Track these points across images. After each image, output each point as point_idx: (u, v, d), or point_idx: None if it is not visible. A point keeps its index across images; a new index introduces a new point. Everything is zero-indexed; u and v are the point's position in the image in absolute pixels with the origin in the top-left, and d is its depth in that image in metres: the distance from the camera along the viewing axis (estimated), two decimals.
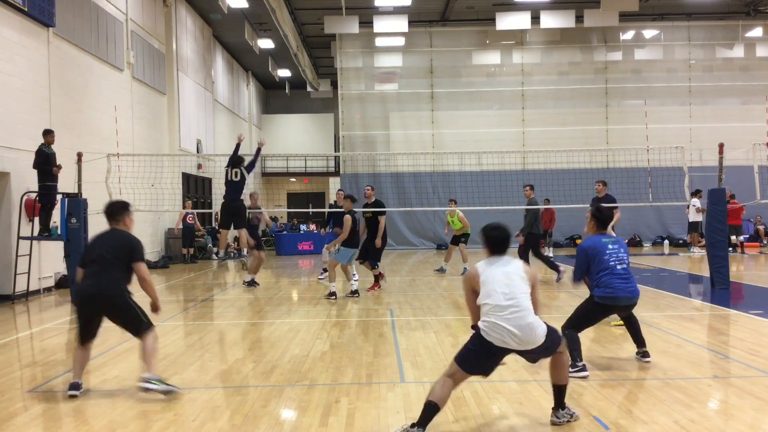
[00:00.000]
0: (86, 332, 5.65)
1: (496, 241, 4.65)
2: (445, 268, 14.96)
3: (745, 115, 23.96)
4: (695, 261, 17.51)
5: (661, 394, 5.23)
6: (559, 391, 4.60)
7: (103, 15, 15.59)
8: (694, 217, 19.57)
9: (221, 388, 5.63)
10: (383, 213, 11.78)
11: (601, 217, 6.22)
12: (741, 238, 19.55)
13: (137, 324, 5.64)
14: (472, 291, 4.62)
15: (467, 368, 4.48)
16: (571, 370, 5.11)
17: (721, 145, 11.87)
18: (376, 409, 4.99)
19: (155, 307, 5.87)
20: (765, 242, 22.02)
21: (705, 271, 13.28)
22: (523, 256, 12.86)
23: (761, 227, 22.41)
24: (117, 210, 6.11)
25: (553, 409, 4.63)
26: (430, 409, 4.33)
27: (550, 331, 4.46)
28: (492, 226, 4.71)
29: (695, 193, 18.39)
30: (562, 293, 11.54)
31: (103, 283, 5.55)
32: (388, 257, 20.32)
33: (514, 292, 4.41)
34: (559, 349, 4.54)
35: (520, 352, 4.47)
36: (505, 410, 4.91)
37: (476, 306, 4.57)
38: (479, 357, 4.46)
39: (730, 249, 16.23)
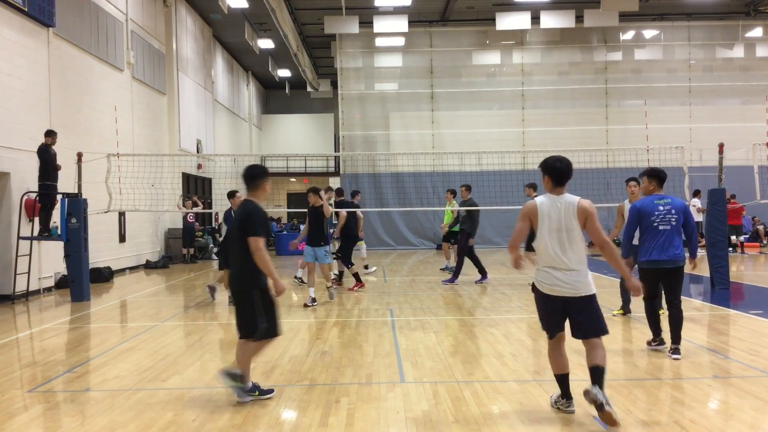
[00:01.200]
0: None
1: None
2: (449, 265, 14.95)
3: (745, 115, 23.96)
4: (695, 261, 17.47)
5: (661, 394, 5.23)
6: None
7: (103, 15, 15.59)
8: (696, 217, 19.57)
9: (221, 388, 5.63)
10: (350, 209, 12.54)
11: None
12: (741, 238, 19.54)
13: (249, 328, 5.23)
14: None
15: None
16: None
17: (721, 145, 11.88)
18: (376, 409, 4.99)
19: (277, 289, 5.26)
20: (765, 242, 22.00)
21: (705, 271, 13.28)
22: (470, 256, 12.83)
23: (761, 227, 22.40)
24: (256, 174, 5.44)
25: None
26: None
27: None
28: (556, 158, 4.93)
29: (695, 194, 18.39)
30: None
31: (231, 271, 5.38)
32: (389, 257, 20.33)
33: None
34: None
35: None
36: (505, 410, 4.91)
37: None
38: None
39: (730, 249, 16.23)
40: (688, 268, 6.59)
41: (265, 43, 25.33)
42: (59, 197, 11.78)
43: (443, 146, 24.33)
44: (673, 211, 6.41)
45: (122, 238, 16.47)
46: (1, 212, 11.75)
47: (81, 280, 11.31)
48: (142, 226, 17.92)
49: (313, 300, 10.14)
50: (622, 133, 24.14)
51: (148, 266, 17.64)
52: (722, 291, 11.07)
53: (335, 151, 32.62)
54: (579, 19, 22.15)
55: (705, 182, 17.17)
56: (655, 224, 6.40)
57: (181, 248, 19.30)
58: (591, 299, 4.88)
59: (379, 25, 22.31)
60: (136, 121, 17.47)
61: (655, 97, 24.56)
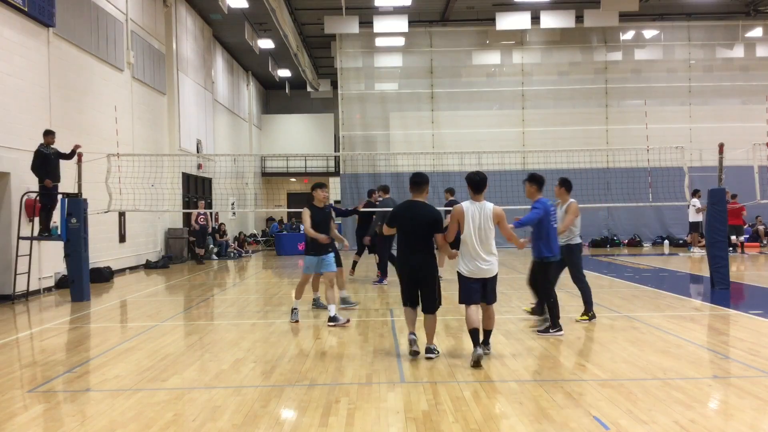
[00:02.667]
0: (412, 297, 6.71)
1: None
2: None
3: (745, 115, 23.97)
4: (695, 261, 17.51)
5: (661, 394, 5.23)
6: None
7: (103, 15, 15.59)
8: (694, 217, 19.56)
9: (221, 388, 5.63)
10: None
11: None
12: (741, 238, 19.53)
13: (437, 304, 6.64)
14: None
15: None
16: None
17: (721, 145, 11.87)
18: (376, 409, 4.99)
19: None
20: (765, 242, 22.00)
21: (705, 271, 13.28)
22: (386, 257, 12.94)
23: (761, 227, 22.40)
24: (424, 180, 6.79)
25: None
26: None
27: None
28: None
29: (695, 193, 18.38)
30: (561, 293, 11.52)
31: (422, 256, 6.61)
32: None
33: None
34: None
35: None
36: (505, 410, 4.91)
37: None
38: None
39: (730, 249, 16.24)
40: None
41: (265, 43, 25.32)
42: (59, 197, 11.76)
43: (443, 146, 24.34)
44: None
45: (122, 238, 16.47)
46: (1, 212, 11.75)
47: (81, 280, 11.31)
48: (142, 226, 17.92)
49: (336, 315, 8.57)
50: (622, 133, 24.14)
51: (148, 266, 17.64)
52: (722, 291, 11.07)
53: (335, 151, 32.62)
54: (579, 19, 22.16)
55: (705, 182, 17.15)
56: (552, 223, 7.70)
57: (196, 248, 19.47)
58: (495, 277, 6.51)
59: (379, 25, 22.32)
60: (136, 121, 17.47)
61: (655, 97, 24.57)
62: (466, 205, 6.39)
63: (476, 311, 6.38)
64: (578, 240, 8.43)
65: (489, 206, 6.40)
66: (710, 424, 4.55)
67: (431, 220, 6.55)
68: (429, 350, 6.57)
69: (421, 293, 6.62)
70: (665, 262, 17.41)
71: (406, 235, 6.65)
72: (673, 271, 15.25)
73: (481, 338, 6.40)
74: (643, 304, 9.93)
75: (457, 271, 6.50)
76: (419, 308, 6.71)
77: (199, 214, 18.98)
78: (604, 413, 4.77)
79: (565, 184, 8.42)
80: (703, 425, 4.52)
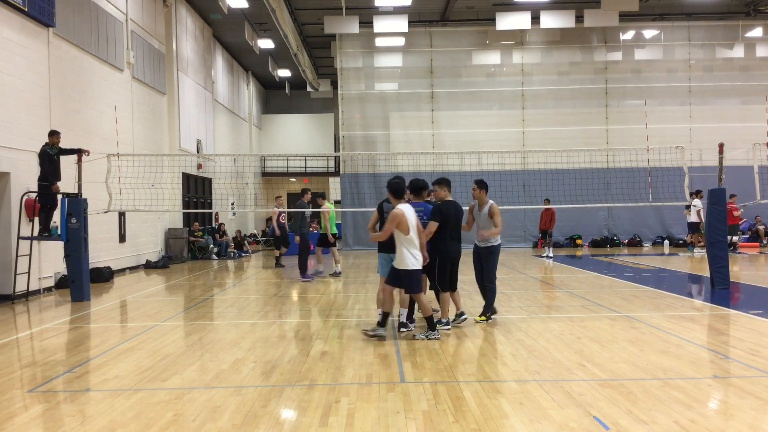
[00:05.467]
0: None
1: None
2: (337, 270, 14.83)
3: (745, 115, 23.97)
4: (695, 261, 17.51)
5: (661, 394, 5.23)
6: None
7: (103, 15, 15.59)
8: (695, 217, 19.56)
9: (221, 388, 5.63)
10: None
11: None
12: (735, 238, 19.53)
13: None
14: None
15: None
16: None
17: (721, 145, 11.88)
18: (376, 409, 4.99)
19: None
20: (765, 242, 22.01)
21: (705, 271, 13.28)
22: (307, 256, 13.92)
23: (761, 227, 22.41)
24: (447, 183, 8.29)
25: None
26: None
27: None
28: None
29: (696, 194, 18.37)
30: (560, 293, 11.54)
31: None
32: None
33: None
34: None
35: None
36: (505, 410, 4.91)
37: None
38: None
39: (730, 249, 16.25)
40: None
41: (265, 43, 25.33)
42: (59, 197, 11.75)
43: (443, 146, 24.34)
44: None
45: (122, 238, 16.47)
46: (1, 212, 11.75)
47: (81, 280, 11.31)
48: (142, 226, 17.92)
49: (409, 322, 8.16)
50: (622, 133, 24.15)
51: (148, 266, 17.64)
52: (722, 291, 11.07)
53: (335, 151, 32.63)
54: (579, 19, 22.16)
55: (705, 182, 17.17)
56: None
57: (276, 249, 18.39)
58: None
59: (379, 25, 22.32)
60: (136, 121, 17.47)
61: (655, 97, 24.57)
62: (403, 208, 7.38)
63: (424, 297, 7.61)
64: (500, 241, 8.58)
65: (412, 207, 7.60)
66: (710, 424, 4.55)
67: (462, 215, 8.23)
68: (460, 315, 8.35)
69: (452, 274, 8.11)
70: (665, 262, 17.41)
71: (451, 228, 7.98)
72: (673, 271, 15.25)
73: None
74: (643, 304, 9.94)
75: (405, 269, 7.36)
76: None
77: (280, 213, 18.01)
78: (604, 413, 4.77)
79: (484, 186, 8.61)
80: (703, 425, 4.52)
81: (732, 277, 12.00)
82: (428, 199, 8.52)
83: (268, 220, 31.80)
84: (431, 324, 7.51)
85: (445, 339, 7.56)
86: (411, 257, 7.36)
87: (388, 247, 7.86)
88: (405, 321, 8.02)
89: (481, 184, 8.64)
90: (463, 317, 8.38)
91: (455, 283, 8.24)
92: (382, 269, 8.09)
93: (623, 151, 21.37)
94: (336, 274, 14.64)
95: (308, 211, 13.46)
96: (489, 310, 8.59)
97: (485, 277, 8.57)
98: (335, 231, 14.82)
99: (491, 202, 8.54)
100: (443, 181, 8.23)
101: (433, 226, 7.82)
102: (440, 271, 7.99)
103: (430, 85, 24.95)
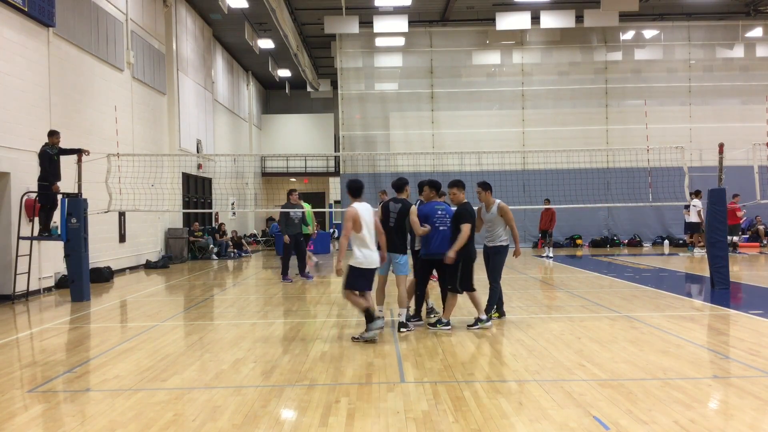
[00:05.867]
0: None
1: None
2: (309, 271, 14.94)
3: (745, 115, 23.98)
4: (695, 261, 17.51)
5: (661, 394, 5.23)
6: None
7: (103, 15, 15.59)
8: (694, 217, 19.56)
9: (221, 388, 5.63)
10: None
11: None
12: (736, 238, 19.54)
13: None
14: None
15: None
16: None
17: (721, 145, 11.88)
18: (376, 409, 4.99)
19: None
20: (765, 242, 22.01)
21: (705, 271, 13.28)
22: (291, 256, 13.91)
23: (761, 227, 22.41)
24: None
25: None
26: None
27: None
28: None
29: (696, 194, 18.37)
30: (560, 293, 11.54)
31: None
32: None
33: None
34: None
35: None
36: (505, 410, 4.91)
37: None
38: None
39: (730, 249, 16.25)
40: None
41: (265, 43, 25.33)
42: (59, 197, 11.75)
43: (443, 146, 24.35)
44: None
45: (122, 238, 16.47)
46: (1, 212, 11.75)
47: (81, 280, 11.31)
48: (142, 226, 17.92)
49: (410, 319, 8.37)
50: (622, 133, 24.16)
51: (148, 266, 17.64)
52: (722, 291, 11.07)
53: (335, 151, 32.63)
54: (579, 19, 22.17)
55: (705, 182, 17.16)
56: (437, 225, 8.05)
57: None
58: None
59: (379, 25, 22.32)
60: (136, 121, 17.47)
61: (655, 97, 24.58)
62: (358, 207, 7.55)
63: (368, 295, 7.57)
64: (508, 241, 8.54)
65: (370, 206, 7.71)
66: (710, 424, 4.55)
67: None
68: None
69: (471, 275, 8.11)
70: (665, 262, 17.41)
71: (479, 229, 8.40)
72: (673, 271, 15.25)
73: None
74: (643, 304, 9.94)
75: (350, 266, 7.43)
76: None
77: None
78: (604, 413, 4.77)
79: (488, 187, 8.52)
80: (703, 425, 4.52)
81: (732, 277, 12.01)
82: (443, 199, 8.67)
83: (269, 219, 31.81)
84: (370, 318, 7.42)
85: (445, 339, 7.56)
86: (360, 255, 7.39)
87: (393, 246, 8.09)
88: (404, 321, 8.05)
89: (485, 186, 8.54)
90: (489, 323, 8.22)
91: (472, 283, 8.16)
92: (384, 268, 8.25)
93: (623, 151, 21.38)
94: (309, 274, 14.75)
95: (293, 211, 13.50)
96: (491, 309, 8.55)
97: (490, 276, 8.58)
98: (309, 231, 14.93)
99: (498, 201, 8.49)
100: (461, 183, 8.17)
101: (468, 228, 7.81)
102: (466, 272, 7.92)
103: (430, 85, 24.96)
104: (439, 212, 8.06)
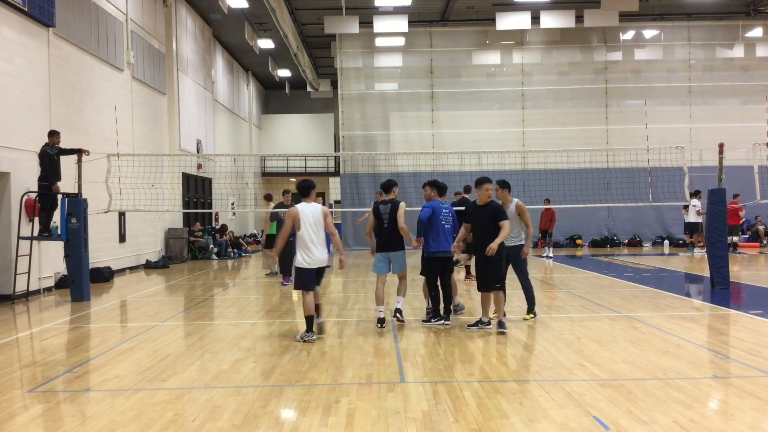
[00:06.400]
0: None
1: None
2: (274, 270, 14.94)
3: (745, 115, 23.98)
4: (695, 261, 17.51)
5: (661, 394, 5.23)
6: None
7: (103, 15, 15.59)
8: (694, 218, 19.55)
9: (221, 388, 5.63)
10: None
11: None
12: (736, 238, 19.53)
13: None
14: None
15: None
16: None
17: (721, 145, 11.88)
18: (376, 409, 4.99)
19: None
20: (765, 242, 22.00)
21: (705, 271, 13.28)
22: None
23: (761, 227, 22.41)
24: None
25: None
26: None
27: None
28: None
29: (695, 194, 18.37)
30: (560, 293, 11.54)
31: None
32: None
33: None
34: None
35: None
36: (505, 410, 4.91)
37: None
38: None
39: (730, 249, 16.24)
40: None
41: (265, 43, 25.33)
42: (59, 197, 11.74)
43: (443, 146, 24.34)
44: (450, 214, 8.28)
45: (122, 238, 16.47)
46: (1, 212, 11.75)
47: (81, 280, 11.31)
48: (142, 226, 17.92)
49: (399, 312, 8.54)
50: (622, 133, 24.16)
51: (148, 266, 17.64)
52: (722, 291, 11.07)
53: (335, 151, 32.62)
54: (579, 19, 22.17)
55: (705, 182, 17.16)
56: (443, 223, 8.23)
57: None
58: (326, 267, 7.76)
59: (379, 25, 22.32)
60: (136, 121, 17.47)
61: (655, 97, 24.58)
62: (301, 206, 7.56)
63: (312, 296, 7.58)
64: (523, 239, 8.51)
65: (318, 207, 7.65)
66: (710, 424, 4.55)
67: None
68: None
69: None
70: (665, 262, 17.41)
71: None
72: (673, 271, 15.25)
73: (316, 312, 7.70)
74: (643, 304, 9.94)
75: (295, 266, 7.58)
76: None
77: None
78: (604, 413, 4.77)
79: (506, 186, 8.49)
80: (703, 425, 4.52)
81: (732, 277, 12.00)
82: (458, 198, 8.96)
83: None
84: (309, 325, 7.55)
85: (445, 339, 7.55)
86: (301, 255, 7.50)
87: (388, 246, 8.32)
88: (400, 308, 8.47)
89: (504, 184, 8.47)
90: (489, 326, 8.01)
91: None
92: (382, 268, 8.44)
93: (623, 151, 21.37)
94: (273, 274, 14.89)
95: (281, 211, 13.50)
96: (533, 307, 8.69)
97: (520, 276, 8.59)
98: (275, 232, 15.00)
99: (516, 200, 8.48)
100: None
101: (509, 225, 7.86)
102: (502, 269, 7.93)
103: (430, 85, 24.96)
104: (444, 211, 8.21)
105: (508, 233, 7.83)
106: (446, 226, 8.20)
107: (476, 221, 7.97)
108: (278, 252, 8.09)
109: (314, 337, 7.50)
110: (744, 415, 4.73)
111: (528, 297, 8.70)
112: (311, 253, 7.46)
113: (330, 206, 34.53)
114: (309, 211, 7.50)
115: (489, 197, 7.93)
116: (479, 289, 8.00)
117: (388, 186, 8.54)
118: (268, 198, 15.30)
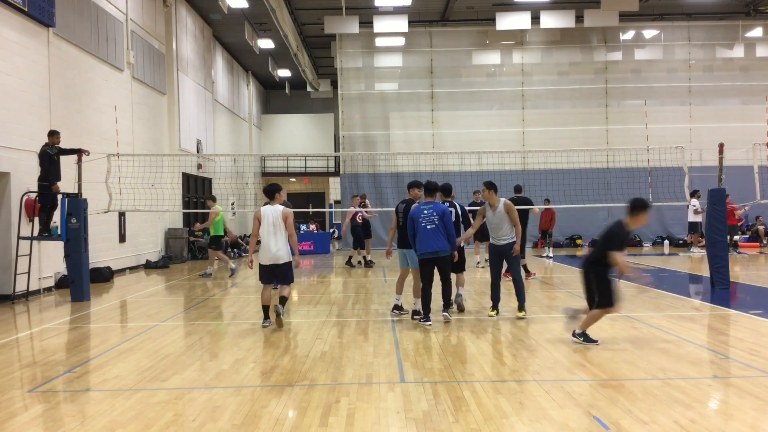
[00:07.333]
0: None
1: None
2: (209, 271, 15.32)
3: (745, 115, 23.97)
4: (695, 261, 17.50)
5: (661, 394, 5.23)
6: None
7: (103, 15, 15.59)
8: (693, 217, 19.55)
9: (221, 388, 5.63)
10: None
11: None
12: (737, 237, 19.53)
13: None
14: None
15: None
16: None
17: (721, 145, 11.87)
18: (376, 409, 4.99)
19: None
20: (765, 242, 22.00)
21: (705, 271, 13.28)
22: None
23: (761, 227, 22.41)
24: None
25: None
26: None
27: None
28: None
29: (694, 194, 18.37)
30: (560, 293, 11.54)
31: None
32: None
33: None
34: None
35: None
36: (505, 410, 4.91)
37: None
38: None
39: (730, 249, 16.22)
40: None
41: (265, 43, 25.32)
42: (59, 197, 11.74)
43: (443, 146, 24.34)
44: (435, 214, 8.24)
45: (122, 238, 16.47)
46: (1, 212, 11.75)
47: (81, 280, 11.31)
48: (142, 226, 17.92)
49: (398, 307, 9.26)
50: (622, 133, 24.15)
51: (148, 266, 17.64)
52: (722, 291, 11.07)
53: (335, 151, 32.62)
54: (579, 19, 22.16)
55: (705, 182, 17.16)
56: (423, 224, 8.23)
57: (355, 249, 17.28)
58: (287, 264, 8.32)
59: (379, 25, 22.31)
60: (136, 121, 17.47)
61: (655, 97, 24.57)
62: (265, 208, 8.29)
63: (268, 290, 8.39)
64: (514, 237, 8.67)
65: (279, 208, 8.29)
66: (710, 424, 4.55)
67: None
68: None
69: None
70: (665, 262, 17.40)
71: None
72: (673, 271, 15.25)
73: (279, 301, 8.34)
74: (643, 304, 9.93)
75: (260, 263, 8.27)
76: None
77: (356, 212, 16.71)
78: (604, 413, 4.77)
79: (492, 186, 8.71)
80: (703, 425, 4.52)
81: (732, 277, 12.00)
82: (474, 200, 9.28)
83: None
84: (265, 314, 8.47)
85: (445, 339, 7.56)
86: (260, 252, 8.30)
87: (405, 242, 8.90)
88: (398, 305, 9.21)
89: (490, 185, 8.71)
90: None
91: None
92: (402, 263, 9.24)
93: (623, 151, 21.37)
94: (207, 275, 15.11)
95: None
96: (524, 304, 8.84)
97: (512, 271, 8.86)
98: (221, 233, 15.59)
99: (503, 199, 8.69)
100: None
101: (619, 255, 7.70)
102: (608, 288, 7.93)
103: (430, 85, 24.95)
104: (425, 212, 8.25)
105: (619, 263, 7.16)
106: (428, 226, 8.16)
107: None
108: (252, 249, 8.68)
109: (266, 324, 8.38)
110: (744, 415, 4.73)
111: (518, 293, 8.81)
112: (265, 250, 8.21)
113: (330, 206, 34.47)
114: (270, 212, 8.25)
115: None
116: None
117: (411, 185, 9.27)
118: (213, 199, 15.70)
